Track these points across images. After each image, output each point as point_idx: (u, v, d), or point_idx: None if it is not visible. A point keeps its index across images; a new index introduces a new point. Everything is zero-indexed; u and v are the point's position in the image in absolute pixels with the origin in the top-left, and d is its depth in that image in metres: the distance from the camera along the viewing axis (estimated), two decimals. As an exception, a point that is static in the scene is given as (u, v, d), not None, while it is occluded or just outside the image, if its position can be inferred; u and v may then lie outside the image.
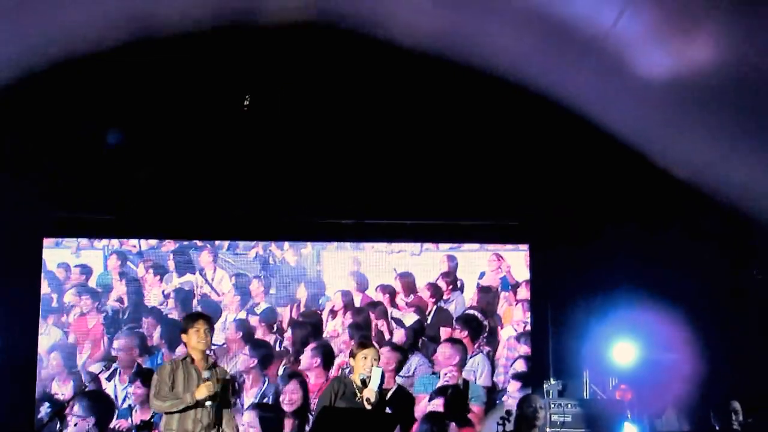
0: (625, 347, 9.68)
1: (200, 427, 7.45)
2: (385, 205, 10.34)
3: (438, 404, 10.37)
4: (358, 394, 7.46)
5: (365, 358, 7.58)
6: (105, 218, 10.44)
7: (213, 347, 7.60)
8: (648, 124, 8.53)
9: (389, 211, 10.41)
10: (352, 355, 7.66)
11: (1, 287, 9.87)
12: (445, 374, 10.65)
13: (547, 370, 10.07)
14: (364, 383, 7.48)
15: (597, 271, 9.97)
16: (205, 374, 7.49)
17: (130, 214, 10.37)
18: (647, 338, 9.64)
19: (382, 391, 7.42)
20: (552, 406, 9.19)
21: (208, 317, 7.79)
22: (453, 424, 10.01)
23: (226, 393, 7.69)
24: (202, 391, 7.38)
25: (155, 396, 7.47)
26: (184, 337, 7.65)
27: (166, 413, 7.46)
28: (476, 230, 10.68)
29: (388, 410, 7.40)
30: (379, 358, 7.71)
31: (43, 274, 10.57)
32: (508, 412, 9.05)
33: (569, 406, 9.18)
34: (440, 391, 10.49)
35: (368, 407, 7.33)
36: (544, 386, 9.60)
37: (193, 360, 7.59)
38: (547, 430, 9.14)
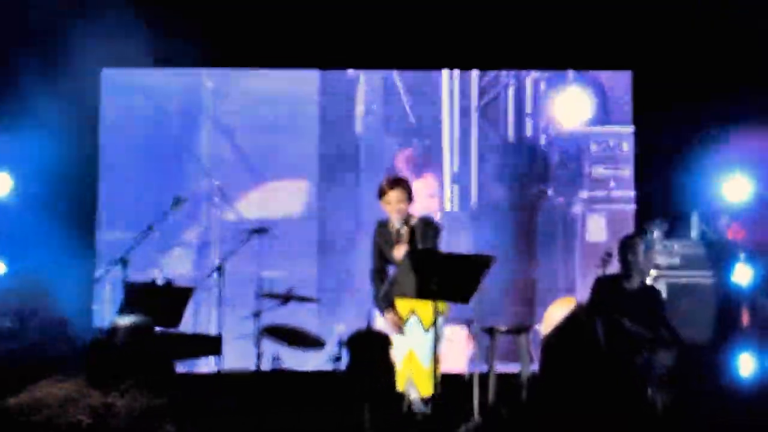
0: (738, 182, 9.15)
1: None
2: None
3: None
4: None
5: (389, 203, 6.91)
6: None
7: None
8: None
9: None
10: (381, 193, 6.97)
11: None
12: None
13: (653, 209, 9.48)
14: (398, 234, 6.93)
15: (708, 100, 9.22)
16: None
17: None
18: (763, 172, 9.12)
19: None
20: (658, 247, 8.79)
21: None
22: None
23: None
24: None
25: None
26: None
27: None
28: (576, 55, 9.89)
29: None
30: (410, 197, 6.98)
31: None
32: (609, 254, 8.29)
33: (676, 247, 8.88)
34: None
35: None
36: (650, 226, 9.19)
37: None
38: (652, 272, 8.72)
